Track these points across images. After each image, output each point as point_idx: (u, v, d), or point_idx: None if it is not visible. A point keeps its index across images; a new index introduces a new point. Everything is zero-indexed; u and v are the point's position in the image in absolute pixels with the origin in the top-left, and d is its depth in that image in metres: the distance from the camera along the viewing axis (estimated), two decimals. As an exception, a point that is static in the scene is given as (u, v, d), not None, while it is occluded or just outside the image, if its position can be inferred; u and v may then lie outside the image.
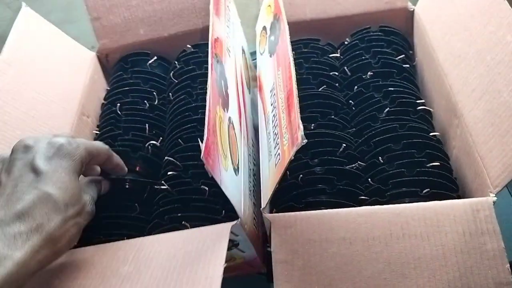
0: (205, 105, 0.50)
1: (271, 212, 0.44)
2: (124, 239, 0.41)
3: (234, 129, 0.43)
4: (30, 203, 0.34)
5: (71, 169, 0.37)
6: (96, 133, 0.56)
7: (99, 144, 0.43)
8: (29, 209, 0.33)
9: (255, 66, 0.66)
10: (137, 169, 0.50)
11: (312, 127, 0.49)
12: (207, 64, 0.55)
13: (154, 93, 0.56)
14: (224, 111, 0.41)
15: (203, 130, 0.49)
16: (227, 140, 0.40)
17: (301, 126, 0.33)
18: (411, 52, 0.58)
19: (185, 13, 0.59)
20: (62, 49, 0.58)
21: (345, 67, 0.56)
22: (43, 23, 0.56)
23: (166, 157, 0.48)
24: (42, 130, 0.49)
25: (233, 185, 0.39)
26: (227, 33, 0.49)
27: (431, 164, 0.44)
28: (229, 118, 0.42)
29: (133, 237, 0.42)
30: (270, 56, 0.48)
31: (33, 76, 0.51)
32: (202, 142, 0.32)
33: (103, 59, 0.63)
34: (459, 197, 0.44)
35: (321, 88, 0.53)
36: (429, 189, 0.42)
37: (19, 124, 0.47)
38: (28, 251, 0.32)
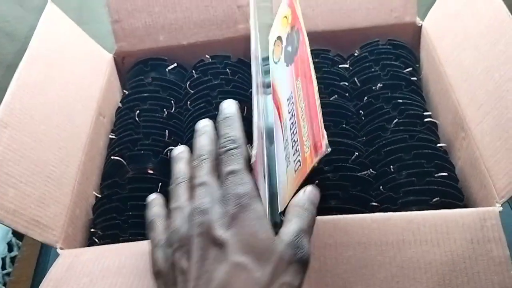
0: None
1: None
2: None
3: None
4: (223, 281, 0.29)
5: (257, 222, 0.31)
6: (112, 138, 0.58)
7: None
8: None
9: (265, 72, 0.68)
10: (151, 171, 0.52)
11: (324, 135, 0.51)
12: (224, 76, 0.57)
13: (172, 101, 0.57)
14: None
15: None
16: None
17: (325, 135, 0.35)
18: (417, 65, 0.61)
19: (206, 24, 0.60)
20: (83, 49, 0.59)
21: (355, 78, 0.58)
22: (67, 21, 0.57)
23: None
24: (65, 126, 0.50)
25: (264, 192, 0.41)
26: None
27: (439, 174, 0.46)
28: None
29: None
30: (287, 65, 0.50)
31: (56, 72, 0.52)
32: (251, 150, 0.35)
33: (119, 62, 0.64)
34: (465, 206, 0.47)
35: (332, 98, 0.55)
36: (438, 198, 0.44)
37: (43, 119, 0.48)
38: None
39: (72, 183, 0.49)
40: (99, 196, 0.52)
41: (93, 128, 0.55)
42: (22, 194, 0.43)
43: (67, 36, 0.56)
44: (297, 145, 0.42)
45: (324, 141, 0.35)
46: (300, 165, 0.40)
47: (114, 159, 0.52)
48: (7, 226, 0.41)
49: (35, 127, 0.46)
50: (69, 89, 0.53)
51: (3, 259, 0.88)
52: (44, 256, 0.68)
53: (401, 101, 0.53)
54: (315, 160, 0.36)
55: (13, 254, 0.87)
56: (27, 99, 0.47)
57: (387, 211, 0.42)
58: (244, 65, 0.61)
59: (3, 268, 0.87)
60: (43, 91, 0.49)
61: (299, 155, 0.41)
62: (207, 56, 0.60)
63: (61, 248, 0.45)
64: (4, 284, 0.83)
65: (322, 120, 0.37)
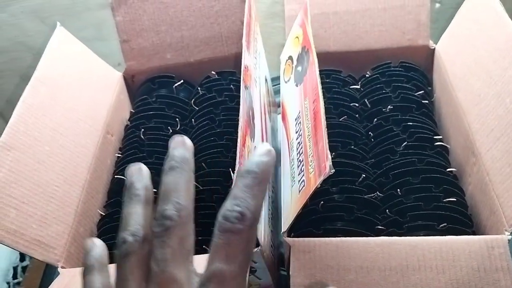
0: (229, 131, 0.53)
1: (289, 236, 0.45)
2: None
3: None
4: None
5: None
6: (118, 156, 0.58)
7: None
8: None
9: (275, 92, 0.68)
10: (155, 190, 0.52)
11: (332, 156, 0.50)
12: (229, 92, 0.58)
13: (177, 119, 0.58)
14: (251, 140, 0.42)
15: (229, 156, 0.51)
16: None
17: (330, 156, 0.35)
18: (429, 88, 0.60)
19: (212, 41, 0.61)
20: (92, 69, 0.60)
21: (366, 99, 0.57)
22: (75, 42, 0.59)
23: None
24: (70, 146, 0.51)
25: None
26: (254, 64, 0.51)
27: (447, 199, 0.45)
28: (255, 147, 0.44)
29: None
30: (297, 85, 0.50)
31: (63, 94, 0.53)
32: (233, 173, 0.34)
33: (129, 80, 0.65)
34: (473, 233, 0.46)
35: (342, 118, 0.55)
36: (445, 224, 0.43)
37: (48, 140, 0.49)
38: None
39: (75, 202, 0.50)
40: (103, 214, 0.53)
41: (100, 147, 0.55)
42: (23, 215, 0.43)
43: (76, 57, 0.58)
44: (302, 165, 0.42)
45: (328, 162, 0.35)
46: (304, 185, 0.40)
47: (118, 177, 0.53)
48: (7, 246, 0.41)
49: (39, 149, 0.47)
50: (76, 109, 0.54)
51: (15, 269, 0.89)
52: (51, 267, 0.68)
53: (411, 123, 0.52)
54: (319, 180, 0.36)
55: (24, 263, 0.88)
56: (32, 121, 0.48)
57: (393, 235, 0.41)
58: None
59: (14, 277, 0.88)
60: (49, 113, 0.50)
61: (303, 175, 0.41)
62: (213, 72, 0.61)
63: (62, 267, 0.45)
64: (14, 293, 0.84)
65: (327, 141, 0.37)
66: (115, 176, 0.54)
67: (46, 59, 0.53)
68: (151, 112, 0.59)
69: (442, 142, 0.52)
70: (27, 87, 0.49)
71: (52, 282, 0.43)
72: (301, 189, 0.40)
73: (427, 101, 0.57)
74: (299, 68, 0.51)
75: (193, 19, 0.61)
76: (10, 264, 0.88)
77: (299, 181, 0.41)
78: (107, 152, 0.57)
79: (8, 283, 0.87)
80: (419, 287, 0.38)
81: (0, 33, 0.79)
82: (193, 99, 0.59)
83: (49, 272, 0.68)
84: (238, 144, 0.37)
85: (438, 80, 0.59)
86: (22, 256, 0.89)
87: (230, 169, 0.35)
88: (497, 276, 0.38)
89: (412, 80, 0.58)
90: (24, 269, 0.87)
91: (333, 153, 0.51)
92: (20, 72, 0.84)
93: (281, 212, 0.46)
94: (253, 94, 0.47)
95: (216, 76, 0.61)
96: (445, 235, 0.40)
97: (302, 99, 0.47)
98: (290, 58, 0.56)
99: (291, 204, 0.42)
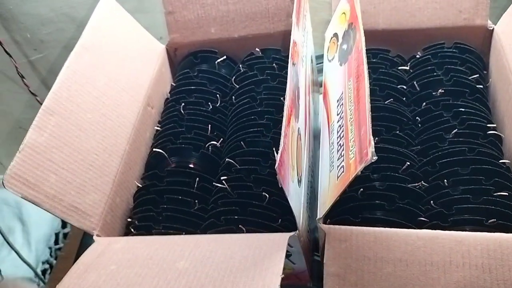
0: (270, 111, 0.51)
1: (325, 222, 0.44)
2: (182, 233, 0.42)
3: (301, 139, 0.43)
4: None
5: None
6: (158, 129, 0.57)
7: None
8: None
9: (318, 70, 0.65)
10: (192, 165, 0.51)
11: (375, 141, 0.48)
12: (271, 70, 0.56)
13: (218, 95, 0.57)
14: (296, 121, 0.41)
15: (269, 136, 0.49)
16: (295, 151, 0.40)
17: (372, 143, 0.33)
18: (485, 72, 0.56)
19: (258, 17, 0.59)
20: (136, 39, 0.59)
21: (415, 82, 0.54)
22: (121, 12, 0.58)
23: (226, 159, 0.48)
24: (111, 116, 0.51)
25: (296, 197, 0.39)
26: (302, 42, 0.49)
27: (499, 193, 0.42)
28: (298, 128, 0.42)
29: (188, 232, 0.42)
30: (341, 64, 0.48)
31: (107, 62, 0.53)
32: (277, 153, 0.32)
33: (172, 53, 0.64)
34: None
35: (387, 101, 0.52)
36: (495, 220, 0.40)
37: (91, 108, 0.49)
38: None
39: (114, 172, 0.49)
40: (140, 186, 0.53)
41: (140, 119, 0.55)
42: (63, 181, 0.43)
43: (121, 27, 0.57)
44: (343, 149, 0.40)
45: (371, 148, 0.33)
46: (343, 171, 0.38)
47: (156, 151, 0.52)
48: (46, 210, 0.41)
49: (81, 116, 0.47)
50: (118, 79, 0.53)
51: (57, 235, 0.92)
52: (88, 235, 0.70)
53: (463, 109, 0.49)
54: (359, 168, 0.34)
55: (66, 230, 0.91)
56: (75, 87, 0.47)
57: (436, 228, 0.39)
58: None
59: (56, 243, 0.91)
60: (92, 81, 0.50)
61: (343, 160, 0.39)
62: (257, 49, 0.59)
63: (97, 235, 0.45)
64: (55, 258, 0.87)
65: (370, 126, 0.35)
66: (153, 149, 0.54)
67: (91, 27, 0.53)
68: (192, 87, 0.58)
69: (496, 131, 0.48)
70: (71, 54, 0.49)
71: (87, 249, 0.43)
72: (340, 175, 0.38)
73: (481, 86, 0.53)
74: (344, 46, 0.48)
75: (240, -8, 0.59)
76: (52, 230, 0.91)
77: (338, 166, 0.39)
78: (146, 124, 0.57)
79: (50, 248, 0.90)
80: (462, 285, 0.36)
81: (45, 3, 0.79)
82: (234, 76, 0.57)
83: (87, 240, 0.69)
84: (283, 123, 0.35)
85: (495, 63, 0.55)
86: (64, 223, 0.91)
87: (273, 149, 0.33)
88: (550, 280, 0.35)
89: (466, 62, 0.54)
90: (65, 235, 0.90)
91: (376, 138, 0.48)
92: (64, 43, 0.84)
93: (317, 197, 0.45)
94: (300, 73, 0.45)
95: (260, 53, 0.59)
96: (494, 232, 0.38)
97: (346, 80, 0.44)
98: (335, 35, 0.53)
99: (329, 190, 0.40)
